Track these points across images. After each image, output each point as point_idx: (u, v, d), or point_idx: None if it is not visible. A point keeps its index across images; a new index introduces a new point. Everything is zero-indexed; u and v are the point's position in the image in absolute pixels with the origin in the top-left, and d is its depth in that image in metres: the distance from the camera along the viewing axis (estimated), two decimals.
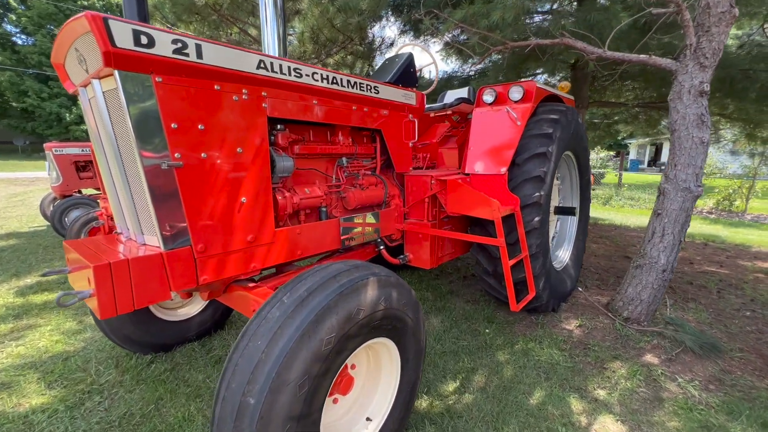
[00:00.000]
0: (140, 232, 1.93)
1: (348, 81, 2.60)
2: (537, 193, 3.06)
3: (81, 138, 27.45)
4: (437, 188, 3.11)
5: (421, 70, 3.87)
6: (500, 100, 3.38)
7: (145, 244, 1.94)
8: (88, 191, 7.76)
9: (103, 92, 1.74)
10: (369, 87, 2.78)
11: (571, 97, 4.21)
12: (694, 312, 3.79)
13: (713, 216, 12.14)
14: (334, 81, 2.50)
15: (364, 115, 2.81)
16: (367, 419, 1.87)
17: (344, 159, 2.85)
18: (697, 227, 9.12)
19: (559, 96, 3.83)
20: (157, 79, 1.69)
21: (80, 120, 28.92)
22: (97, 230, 5.23)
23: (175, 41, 1.69)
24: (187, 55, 1.73)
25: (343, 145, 2.81)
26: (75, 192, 7.40)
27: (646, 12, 3.44)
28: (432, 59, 3.78)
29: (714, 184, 13.75)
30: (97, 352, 3.03)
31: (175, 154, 1.76)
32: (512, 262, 2.81)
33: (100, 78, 1.73)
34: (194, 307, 3.20)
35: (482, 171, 3.08)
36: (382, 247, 3.14)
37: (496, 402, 2.44)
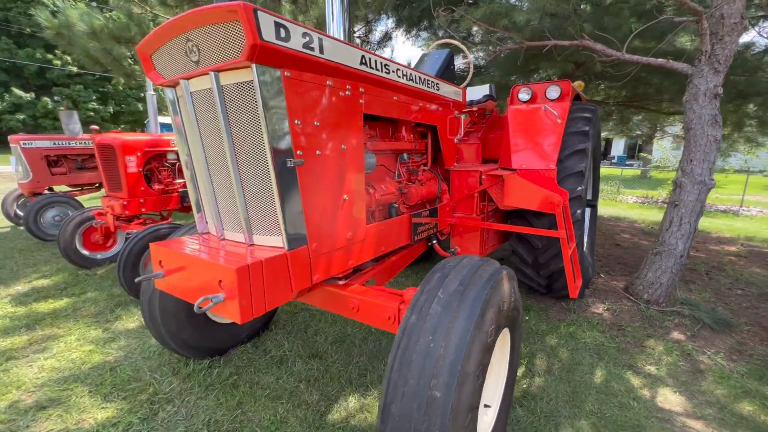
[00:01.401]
0: (250, 232, 1.85)
1: (420, 77, 2.62)
2: (580, 187, 3.26)
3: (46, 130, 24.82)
4: (488, 183, 3.22)
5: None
6: (535, 98, 3.53)
7: (253, 245, 1.87)
8: (61, 188, 7.09)
9: (221, 86, 1.65)
10: (433, 84, 2.82)
11: (585, 96, 4.48)
12: (697, 293, 4.22)
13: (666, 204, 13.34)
14: (411, 77, 2.51)
15: (426, 111, 2.84)
16: (486, 406, 1.95)
17: (405, 155, 2.87)
18: (653, 215, 9.99)
19: (580, 95, 4.06)
20: (285, 73, 1.63)
21: (14, 109, 26.08)
22: (94, 230, 4.83)
23: (304, 35, 1.64)
24: (312, 49, 1.68)
25: (405, 141, 2.83)
26: (46, 189, 6.74)
27: (664, 18, 3.74)
28: (468, 56, 3.85)
29: (667, 176, 15.09)
30: (144, 360, 2.85)
31: (297, 152, 1.72)
32: (571, 251, 2.98)
33: (220, 71, 1.63)
34: None
35: (531, 166, 3.22)
36: (435, 242, 3.20)
37: (566, 383, 2.61)
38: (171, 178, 4.64)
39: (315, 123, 1.81)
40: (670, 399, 2.51)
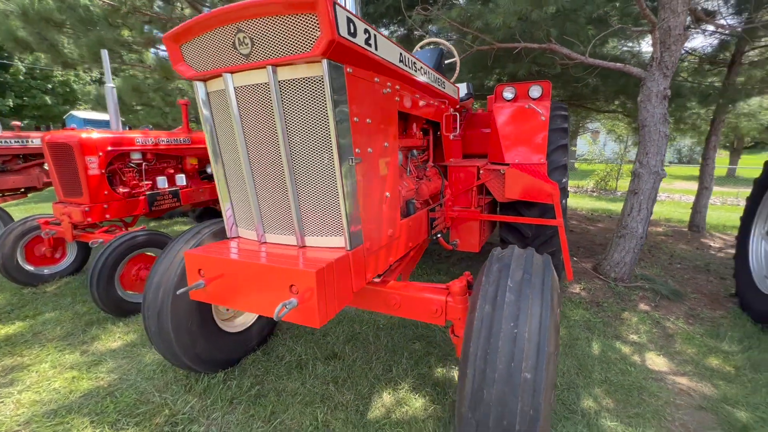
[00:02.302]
0: (302, 234, 1.78)
1: (434, 76, 2.68)
2: (564, 179, 3.57)
3: None
4: (486, 177, 3.39)
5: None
6: (518, 97, 3.78)
7: (304, 247, 1.81)
8: None
9: (279, 81, 1.57)
10: (441, 82, 2.90)
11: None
12: (649, 269, 4.84)
13: (595, 194, 14.91)
14: (429, 75, 2.56)
15: (434, 107, 2.92)
16: None
17: (415, 151, 2.93)
18: (586, 203, 11.18)
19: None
20: (348, 69, 1.60)
21: None
22: (38, 242, 4.21)
23: (365, 30, 1.62)
24: (370, 45, 1.67)
25: (416, 138, 2.89)
26: None
27: (619, 28, 4.20)
28: (455, 55, 3.99)
29: (593, 168, 16.85)
30: (146, 380, 2.59)
31: (356, 149, 1.70)
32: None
33: (278, 65, 1.55)
34: (249, 316, 2.94)
35: (524, 161, 3.45)
36: (439, 235, 3.31)
37: (572, 357, 2.88)
38: (137, 180, 4.19)
39: (368, 120, 1.79)
40: (656, 361, 2.88)
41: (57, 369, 2.75)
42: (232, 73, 1.66)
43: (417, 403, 2.36)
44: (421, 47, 4.09)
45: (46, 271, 4.30)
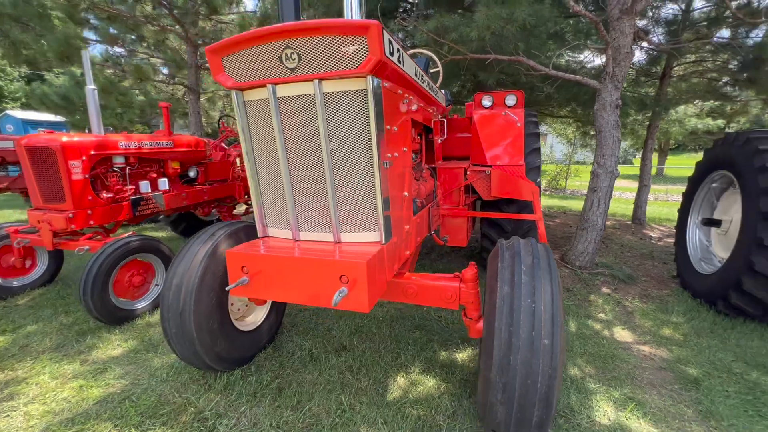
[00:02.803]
0: (339, 231, 1.96)
1: (430, 85, 2.95)
2: (538, 179, 3.99)
3: None
4: (473, 177, 3.72)
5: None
6: (495, 104, 4.17)
7: (340, 242, 1.99)
8: None
9: (326, 93, 1.75)
10: (435, 90, 3.17)
11: None
12: (605, 257, 5.47)
13: (548, 192, 16.09)
14: (429, 85, 2.82)
15: (429, 114, 3.20)
16: None
17: (413, 154, 3.18)
18: (542, 200, 12.10)
19: None
20: (384, 84, 1.81)
21: None
22: (6, 252, 3.95)
23: (397, 50, 1.84)
24: (399, 62, 1.89)
25: (415, 142, 3.14)
26: None
27: (577, 44, 4.74)
28: (438, 65, 4.30)
29: (545, 168, 18.13)
30: (161, 383, 2.61)
31: (387, 154, 1.91)
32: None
33: (322, 79, 1.73)
34: (259, 313, 3.03)
35: (505, 162, 3.83)
36: (433, 232, 3.58)
37: None
38: (120, 185, 4.06)
39: (395, 128, 2.01)
40: (622, 334, 3.36)
41: (59, 380, 2.67)
42: (275, 84, 1.81)
43: (430, 383, 2.61)
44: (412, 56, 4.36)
45: (15, 283, 4.04)
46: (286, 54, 1.72)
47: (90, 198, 3.71)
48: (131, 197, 4.13)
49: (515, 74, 6.09)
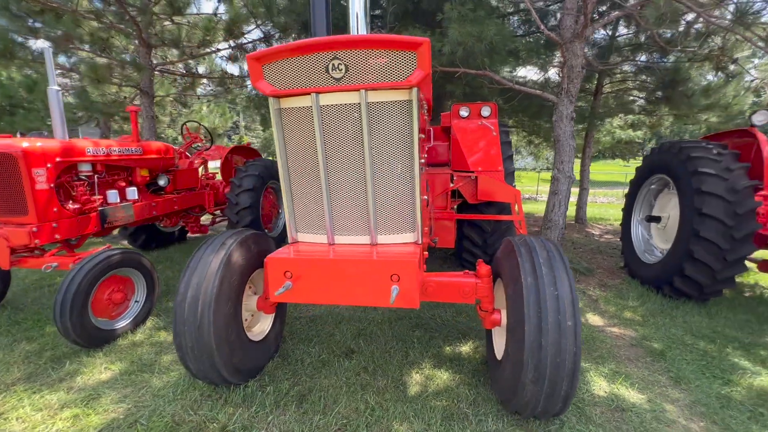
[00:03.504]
0: (375, 233, 2.05)
1: None
2: (514, 183, 4.37)
3: None
4: (459, 182, 3.98)
5: None
6: (472, 114, 4.51)
7: (376, 244, 2.08)
8: None
9: (371, 102, 1.85)
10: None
11: None
12: (566, 253, 6.04)
13: None
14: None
15: (425, 121, 3.39)
16: None
17: None
18: None
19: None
20: (420, 94, 1.96)
21: None
22: None
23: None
24: (428, 74, 2.05)
25: None
26: None
27: (535, 61, 5.27)
28: None
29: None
30: (168, 403, 2.46)
31: (421, 159, 2.06)
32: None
33: (367, 89, 1.83)
34: (265, 322, 2.98)
35: (486, 169, 4.14)
36: None
37: None
38: (88, 195, 3.71)
39: (422, 135, 2.16)
40: (594, 319, 3.79)
41: (45, 411, 2.41)
42: (319, 93, 1.87)
43: (444, 376, 2.76)
44: None
45: None
46: (333, 65, 1.80)
47: (55, 209, 3.36)
48: (100, 208, 3.80)
49: (479, 87, 6.55)
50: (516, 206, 3.90)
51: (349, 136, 1.92)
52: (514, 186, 4.36)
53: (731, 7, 4.87)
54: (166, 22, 6.13)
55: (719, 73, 6.50)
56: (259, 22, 5.88)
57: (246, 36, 6.46)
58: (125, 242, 5.90)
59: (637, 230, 5.20)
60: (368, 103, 1.85)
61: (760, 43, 4.56)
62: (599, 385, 2.68)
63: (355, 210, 2.05)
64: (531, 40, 7.62)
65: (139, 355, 3.04)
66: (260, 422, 2.30)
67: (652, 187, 5.00)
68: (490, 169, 4.16)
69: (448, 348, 3.16)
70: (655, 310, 4.01)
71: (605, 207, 13.68)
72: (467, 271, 2.62)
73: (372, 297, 1.85)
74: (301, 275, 1.90)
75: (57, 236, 3.38)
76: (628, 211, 5.35)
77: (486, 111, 4.45)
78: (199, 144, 5.98)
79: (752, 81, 6.27)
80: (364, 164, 1.93)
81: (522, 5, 7.56)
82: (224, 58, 7.36)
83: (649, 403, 2.50)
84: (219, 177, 6.30)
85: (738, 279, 4.79)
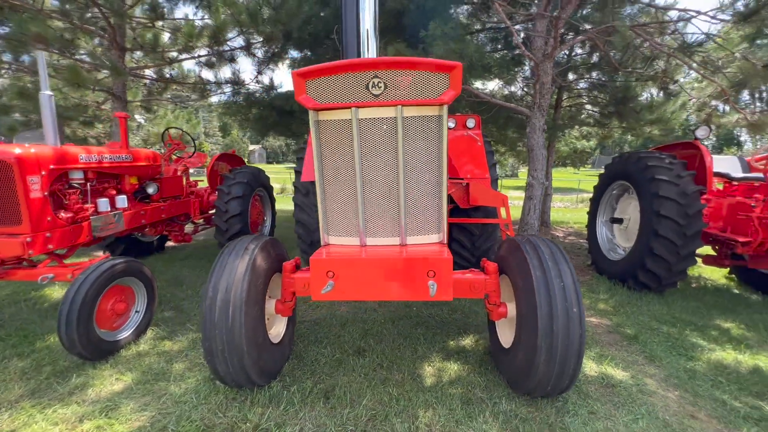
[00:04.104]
0: (404, 233, 2.25)
1: None
2: (498, 189, 4.74)
3: None
4: (451, 188, 4.27)
5: None
6: (458, 125, 4.85)
7: (406, 245, 2.27)
8: None
9: (406, 117, 2.07)
10: None
11: None
12: None
13: None
14: None
15: None
16: None
17: None
18: None
19: None
20: (445, 109, 2.20)
21: None
22: None
23: None
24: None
25: None
26: None
27: (509, 77, 5.74)
28: None
29: None
30: (194, 408, 2.48)
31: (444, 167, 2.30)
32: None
33: (404, 105, 2.05)
34: (281, 324, 3.06)
35: (476, 176, 4.46)
36: None
37: None
38: (80, 203, 3.58)
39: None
40: None
41: (63, 425, 2.35)
42: (359, 107, 2.06)
43: (454, 367, 2.99)
44: None
45: None
46: (373, 82, 2.00)
47: (49, 219, 3.24)
48: (92, 217, 3.67)
49: (456, 100, 6.95)
50: (503, 210, 4.24)
51: (383, 147, 2.12)
52: (498, 191, 4.73)
53: (679, 36, 5.61)
54: (148, 26, 5.94)
55: (661, 92, 7.38)
56: (244, 30, 5.89)
57: (228, 43, 6.43)
58: (101, 253, 5.61)
59: (601, 231, 5.77)
60: (404, 117, 2.06)
61: (699, 68, 5.31)
62: (590, 366, 3.03)
63: (386, 213, 2.23)
64: (498, 56, 8.22)
65: (148, 365, 3.00)
66: (292, 419, 2.39)
67: (614, 192, 5.59)
68: (478, 176, 4.50)
69: (451, 342, 3.40)
70: (623, 301, 4.50)
71: (562, 211, 14.72)
72: (472, 269, 2.88)
73: (411, 292, 2.04)
74: (344, 274, 2.05)
75: (50, 246, 3.25)
76: (593, 214, 5.93)
77: (471, 122, 4.80)
78: (182, 151, 5.86)
79: (689, 100, 7.19)
80: (398, 171, 2.13)
81: (488, 25, 8.17)
82: (201, 63, 7.23)
83: (632, 378, 2.88)
84: (201, 185, 6.18)
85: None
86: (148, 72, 7.14)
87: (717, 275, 5.83)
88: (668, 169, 4.47)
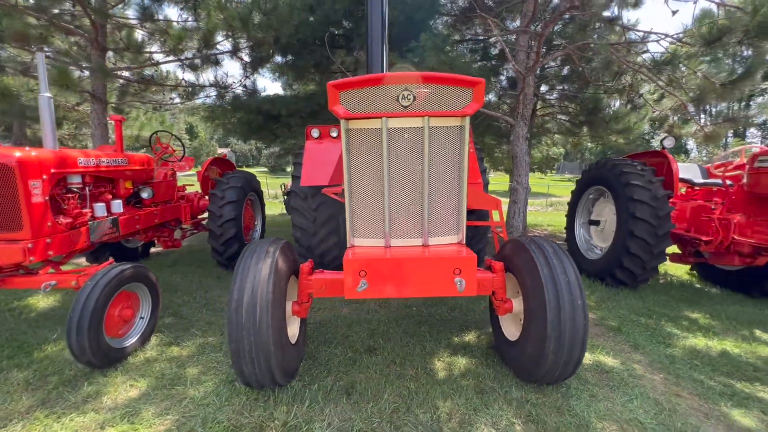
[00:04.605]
0: (427, 235, 2.41)
1: None
2: (487, 192, 5.01)
3: None
4: None
5: None
6: None
7: (428, 245, 2.43)
8: None
9: (432, 127, 2.24)
10: None
11: None
12: None
13: None
14: None
15: None
16: None
17: None
18: None
19: None
20: (468, 122, 2.39)
21: None
22: None
23: None
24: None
25: None
26: None
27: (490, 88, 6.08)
28: None
29: None
30: (218, 410, 2.50)
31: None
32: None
33: (430, 116, 2.22)
34: (295, 325, 3.12)
35: (470, 181, 4.67)
36: None
37: None
38: (79, 208, 3.47)
39: None
40: None
41: (87, 430, 2.31)
42: (389, 117, 2.20)
43: (462, 361, 3.17)
44: None
45: None
46: (403, 95, 2.15)
47: (49, 224, 3.14)
48: (90, 222, 3.58)
49: None
50: (496, 213, 4.50)
51: (410, 154, 2.27)
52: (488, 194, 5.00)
53: (647, 55, 6.16)
54: (133, 27, 5.77)
55: (628, 104, 8.02)
56: (235, 35, 5.86)
57: (218, 47, 6.36)
58: (83, 260, 5.39)
59: (579, 232, 6.19)
60: (430, 127, 2.23)
61: (665, 85, 5.86)
62: (585, 356, 3.29)
63: (410, 216, 2.39)
64: (477, 67, 8.63)
65: (160, 371, 2.97)
66: (318, 415, 2.47)
67: (591, 196, 6.02)
68: (472, 181, 4.74)
69: (456, 338, 3.59)
70: (603, 297, 4.88)
71: (534, 214, 15.43)
72: (479, 268, 3.08)
73: (439, 288, 2.20)
74: (376, 274, 2.18)
75: (50, 253, 3.15)
76: (571, 217, 6.34)
77: None
78: (171, 154, 5.74)
79: (653, 112, 7.86)
80: (423, 177, 2.29)
81: (467, 36, 8.56)
82: (185, 66, 7.10)
83: (622, 365, 3.18)
84: (189, 189, 6.07)
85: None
86: (128, 74, 6.92)
87: (680, 272, 6.39)
88: (641, 175, 4.91)
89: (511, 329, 3.07)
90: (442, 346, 3.43)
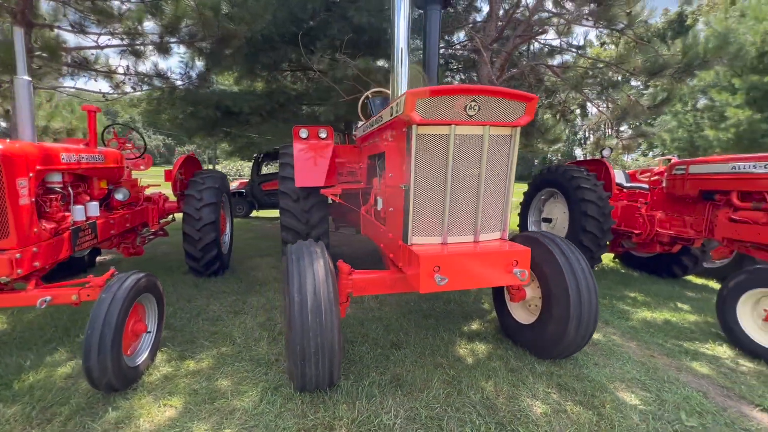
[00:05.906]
0: (479, 231, 2.66)
1: None
2: None
3: None
4: None
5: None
6: None
7: (478, 242, 2.69)
8: None
9: (490, 135, 2.50)
10: None
11: None
12: None
13: None
14: None
15: None
16: None
17: None
18: None
19: None
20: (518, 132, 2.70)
21: None
22: None
23: None
24: None
25: None
26: None
27: None
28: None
29: None
30: (278, 417, 2.44)
31: None
32: None
33: (491, 125, 2.48)
34: None
35: None
36: None
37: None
38: (62, 211, 2.97)
39: None
40: None
41: None
42: (456, 125, 2.41)
43: (481, 347, 3.49)
44: (372, 95, 5.04)
45: None
46: (470, 105, 2.38)
47: (35, 230, 2.68)
48: (72, 227, 3.12)
49: None
50: None
51: (471, 158, 2.50)
52: None
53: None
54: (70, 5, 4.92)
55: (559, 117, 9.28)
56: (204, 23, 5.38)
57: (178, 35, 5.75)
58: None
59: (532, 229, 7.02)
60: (490, 135, 2.49)
61: (599, 104, 6.97)
62: None
63: (465, 215, 2.61)
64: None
65: (187, 386, 2.75)
66: (381, 408, 2.56)
67: (542, 197, 6.89)
68: None
69: (465, 328, 3.90)
70: None
71: None
72: None
73: (502, 278, 2.47)
74: (450, 268, 2.35)
75: (36, 263, 2.68)
76: (524, 215, 7.16)
77: None
78: (129, 151, 5.11)
79: (582, 126, 9.21)
80: (479, 180, 2.54)
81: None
82: (127, 52, 6.30)
83: (604, 338, 3.80)
84: (150, 190, 5.46)
85: None
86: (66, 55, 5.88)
87: (606, 260, 7.63)
88: (587, 179, 5.81)
89: (522, 315, 3.48)
90: (456, 335, 3.71)
